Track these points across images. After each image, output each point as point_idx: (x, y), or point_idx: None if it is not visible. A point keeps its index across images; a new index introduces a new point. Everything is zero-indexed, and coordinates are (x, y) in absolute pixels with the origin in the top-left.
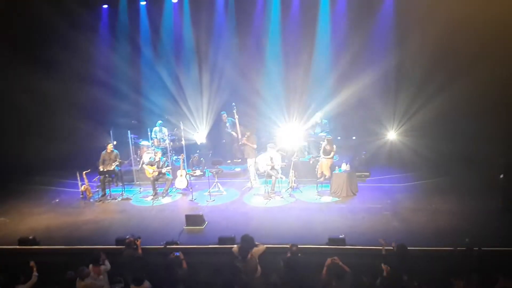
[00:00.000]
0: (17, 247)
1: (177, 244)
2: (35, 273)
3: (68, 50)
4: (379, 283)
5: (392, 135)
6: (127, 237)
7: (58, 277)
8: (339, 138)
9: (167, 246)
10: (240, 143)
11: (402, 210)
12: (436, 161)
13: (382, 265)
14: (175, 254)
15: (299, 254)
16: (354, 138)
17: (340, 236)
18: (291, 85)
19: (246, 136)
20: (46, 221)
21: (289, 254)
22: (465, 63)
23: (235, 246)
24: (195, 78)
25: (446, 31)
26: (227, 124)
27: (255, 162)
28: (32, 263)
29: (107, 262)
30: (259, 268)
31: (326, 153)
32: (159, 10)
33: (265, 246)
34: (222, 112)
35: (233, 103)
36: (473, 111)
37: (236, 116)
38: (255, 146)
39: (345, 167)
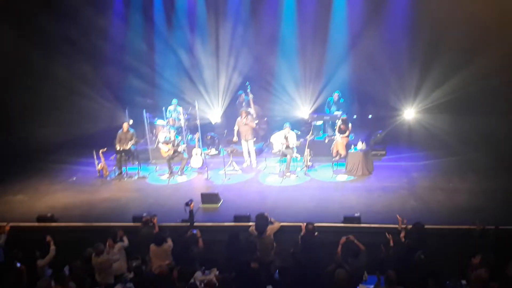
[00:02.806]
0: (36, 224)
1: (193, 222)
2: (52, 247)
3: (82, 27)
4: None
5: (410, 113)
6: (144, 215)
7: (77, 253)
8: (355, 116)
9: (184, 224)
10: (256, 121)
11: (419, 189)
12: (454, 140)
13: (387, 234)
14: (192, 232)
15: (315, 233)
16: (370, 116)
17: (356, 215)
18: (307, 65)
19: (245, 116)
20: (64, 199)
21: (304, 233)
22: (490, 35)
23: (252, 224)
24: (211, 56)
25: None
26: (244, 104)
27: (270, 141)
28: (48, 238)
29: (125, 239)
30: (274, 245)
31: (342, 132)
32: None
33: (280, 223)
34: (239, 92)
35: (247, 82)
36: (494, 87)
37: (250, 95)
38: (254, 125)
39: (361, 145)
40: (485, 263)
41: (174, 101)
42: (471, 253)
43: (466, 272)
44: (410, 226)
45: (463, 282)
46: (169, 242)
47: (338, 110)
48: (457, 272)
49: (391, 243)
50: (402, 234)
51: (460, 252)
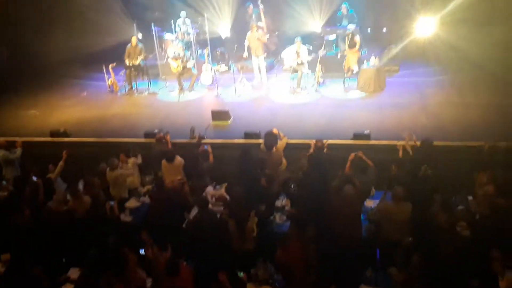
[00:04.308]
0: (49, 139)
1: (203, 138)
2: (60, 163)
3: None
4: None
5: (424, 26)
6: (155, 131)
7: (90, 168)
8: (369, 30)
9: (196, 140)
10: (267, 36)
11: (431, 105)
12: (472, 54)
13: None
14: (204, 148)
15: (325, 150)
16: (384, 29)
17: (365, 132)
18: None
19: (255, 30)
20: (76, 114)
21: (313, 150)
22: None
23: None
24: None
25: None
26: (253, 17)
27: (281, 56)
28: (64, 153)
29: (139, 156)
30: (284, 161)
31: (351, 46)
32: None
33: (287, 139)
34: (247, 4)
35: None
36: None
37: (261, 7)
38: (265, 40)
39: (373, 61)
40: (493, 179)
41: (183, 13)
42: (480, 169)
43: (473, 189)
44: (419, 142)
45: (470, 198)
46: (179, 158)
47: (351, 23)
48: (464, 189)
49: (400, 154)
50: (410, 150)
51: (469, 168)
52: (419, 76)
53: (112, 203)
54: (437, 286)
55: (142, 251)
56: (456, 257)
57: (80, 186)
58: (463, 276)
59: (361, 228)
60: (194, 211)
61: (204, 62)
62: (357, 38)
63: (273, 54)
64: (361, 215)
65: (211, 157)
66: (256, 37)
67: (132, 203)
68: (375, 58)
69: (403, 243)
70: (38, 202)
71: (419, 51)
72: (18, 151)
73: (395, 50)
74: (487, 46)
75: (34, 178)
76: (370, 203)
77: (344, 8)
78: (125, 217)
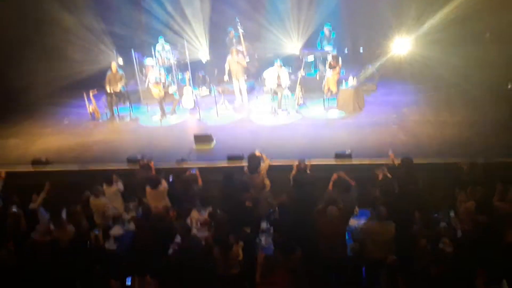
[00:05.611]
0: (31, 168)
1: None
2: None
3: None
4: (379, 191)
5: (402, 45)
6: (138, 157)
7: (73, 196)
8: (346, 51)
9: (182, 165)
10: (247, 60)
11: (409, 123)
12: (446, 72)
13: (376, 170)
14: (192, 172)
15: (307, 171)
16: (361, 50)
17: (347, 152)
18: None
19: (235, 54)
20: (57, 142)
21: (296, 171)
22: None
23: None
24: None
25: None
26: (234, 41)
27: (263, 77)
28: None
29: (120, 183)
30: (267, 182)
31: (332, 68)
32: None
33: (269, 161)
34: (229, 29)
35: (237, 18)
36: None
37: (241, 31)
38: (245, 64)
39: (352, 81)
40: (473, 196)
41: (161, 39)
42: (460, 186)
43: (454, 205)
44: (399, 161)
45: (452, 214)
46: (164, 184)
47: (329, 45)
48: (446, 205)
49: (380, 177)
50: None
51: (449, 185)
52: (396, 95)
53: (96, 231)
54: None
55: (128, 282)
56: (440, 274)
57: (63, 215)
58: None
59: (346, 248)
60: (179, 238)
61: (185, 86)
62: (339, 61)
63: (253, 76)
64: (346, 234)
65: (200, 180)
66: (236, 60)
67: (116, 230)
68: (353, 78)
69: (387, 261)
70: (20, 233)
71: (396, 70)
72: (0, 182)
73: (372, 70)
74: (460, 65)
75: (14, 209)
76: (354, 222)
77: (327, 30)
78: (110, 245)
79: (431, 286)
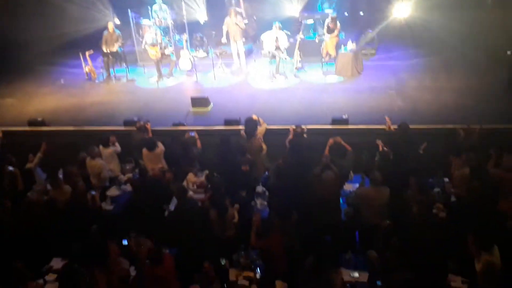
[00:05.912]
0: (27, 128)
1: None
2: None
3: None
4: (377, 159)
5: (401, 9)
6: (135, 119)
7: (70, 157)
8: (346, 14)
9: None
10: (245, 21)
11: (407, 88)
12: (445, 36)
13: (377, 140)
14: (190, 134)
15: (304, 135)
16: (361, 13)
17: (344, 117)
18: None
19: (234, 15)
20: (53, 102)
21: (292, 136)
22: None
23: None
24: None
25: None
26: (233, 1)
27: (261, 39)
28: (43, 145)
29: (117, 145)
30: (264, 146)
31: (330, 31)
32: None
33: (266, 125)
34: None
35: None
36: None
37: None
38: (244, 26)
39: (351, 45)
40: (468, 162)
41: None
42: (455, 152)
43: (449, 171)
44: (395, 127)
45: (446, 180)
46: (161, 147)
47: (330, 7)
48: (441, 171)
49: (380, 149)
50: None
51: (445, 151)
52: (395, 60)
53: (93, 192)
54: (415, 268)
55: (125, 242)
56: (433, 239)
57: (60, 175)
58: (440, 258)
59: (340, 212)
60: (175, 200)
61: (183, 48)
62: (337, 24)
63: (251, 39)
64: (340, 199)
65: (199, 143)
66: (234, 22)
67: (113, 191)
68: (352, 42)
69: (381, 226)
70: (17, 192)
71: (396, 33)
72: None
73: (372, 34)
74: (458, 29)
75: (10, 168)
76: (348, 187)
77: None
78: (107, 206)
79: (424, 250)
